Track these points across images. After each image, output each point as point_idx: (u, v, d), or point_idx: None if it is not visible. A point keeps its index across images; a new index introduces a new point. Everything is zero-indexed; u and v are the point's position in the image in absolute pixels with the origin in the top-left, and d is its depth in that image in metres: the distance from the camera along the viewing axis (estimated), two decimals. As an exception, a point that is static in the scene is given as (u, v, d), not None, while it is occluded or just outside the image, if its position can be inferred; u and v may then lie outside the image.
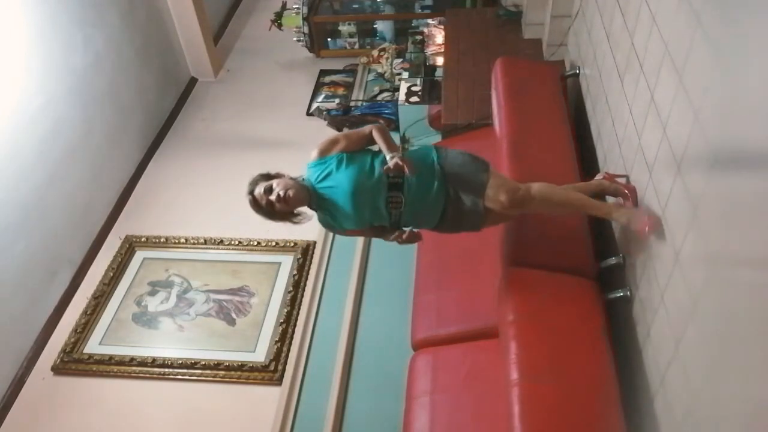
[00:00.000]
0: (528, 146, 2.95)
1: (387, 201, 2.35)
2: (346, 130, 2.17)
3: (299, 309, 3.52)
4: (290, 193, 2.31)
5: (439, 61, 4.47)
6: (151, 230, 4.05)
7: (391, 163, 2.28)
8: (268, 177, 2.40)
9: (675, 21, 1.97)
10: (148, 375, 3.33)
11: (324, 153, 2.42)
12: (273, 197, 2.31)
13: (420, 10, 5.40)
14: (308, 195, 2.39)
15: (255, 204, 2.38)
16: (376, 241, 3.45)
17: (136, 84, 4.56)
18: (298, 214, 2.44)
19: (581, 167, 2.96)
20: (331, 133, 4.63)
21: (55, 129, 3.66)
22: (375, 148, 2.44)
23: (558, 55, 3.89)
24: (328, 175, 2.38)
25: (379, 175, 2.35)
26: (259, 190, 2.35)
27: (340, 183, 2.36)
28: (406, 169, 2.27)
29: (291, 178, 2.40)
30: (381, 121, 4.56)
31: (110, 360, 3.38)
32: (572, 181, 2.68)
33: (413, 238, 2.47)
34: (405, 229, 2.46)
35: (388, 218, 2.40)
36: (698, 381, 1.75)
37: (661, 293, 2.03)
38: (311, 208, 2.45)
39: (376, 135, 2.41)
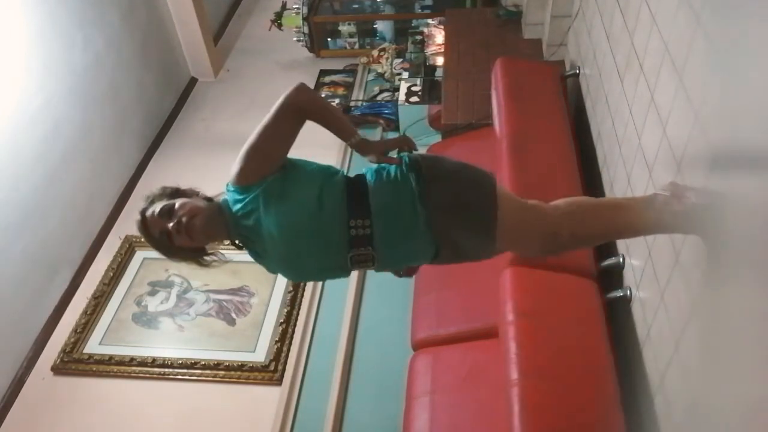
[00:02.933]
0: (528, 146, 2.95)
1: (349, 260, 1.69)
2: (260, 126, 1.65)
3: (299, 309, 3.52)
4: (196, 222, 1.61)
5: (439, 61, 4.47)
6: (151, 230, 4.04)
7: (378, 159, 1.65)
8: (172, 194, 1.70)
9: (675, 21, 1.97)
10: (148, 375, 3.33)
11: (246, 175, 1.67)
12: (171, 225, 1.62)
13: (420, 10, 5.39)
14: (224, 228, 1.69)
15: (145, 230, 1.67)
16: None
17: (136, 84, 4.56)
18: (209, 254, 1.75)
19: (581, 167, 2.96)
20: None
21: (55, 129, 3.65)
22: (330, 155, 1.78)
23: (558, 55, 3.89)
24: (252, 212, 1.67)
25: (335, 208, 1.63)
26: (154, 209, 1.65)
27: (268, 229, 1.64)
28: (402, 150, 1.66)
29: (205, 198, 1.70)
30: (381, 122, 4.56)
31: (110, 360, 3.38)
32: (573, 180, 2.67)
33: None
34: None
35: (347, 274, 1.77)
36: (698, 381, 1.75)
37: (661, 293, 2.03)
38: (235, 245, 1.76)
39: (305, 104, 1.63)
